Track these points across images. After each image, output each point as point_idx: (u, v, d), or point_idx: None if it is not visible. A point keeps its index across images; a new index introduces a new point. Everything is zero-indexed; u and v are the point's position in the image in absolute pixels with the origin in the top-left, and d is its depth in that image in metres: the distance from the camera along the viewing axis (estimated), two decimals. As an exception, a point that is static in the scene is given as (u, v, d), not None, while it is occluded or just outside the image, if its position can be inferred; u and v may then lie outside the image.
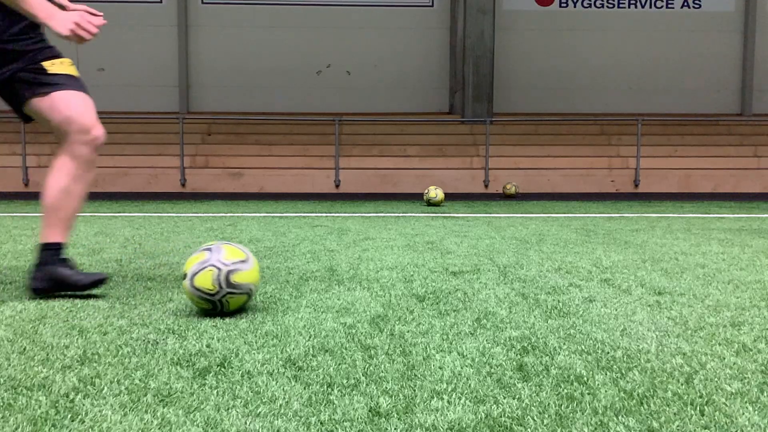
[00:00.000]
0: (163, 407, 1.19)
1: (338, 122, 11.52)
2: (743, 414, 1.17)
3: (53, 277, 2.15)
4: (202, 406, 1.20)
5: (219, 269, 1.87)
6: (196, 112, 14.61)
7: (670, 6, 15.10)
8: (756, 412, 1.18)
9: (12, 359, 1.48)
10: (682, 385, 1.32)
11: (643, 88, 15.11)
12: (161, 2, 14.63)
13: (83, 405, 1.20)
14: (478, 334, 1.71)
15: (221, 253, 1.91)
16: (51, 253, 2.19)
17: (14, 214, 6.05)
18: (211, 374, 1.38)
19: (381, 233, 4.35)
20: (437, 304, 2.09)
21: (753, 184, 11.60)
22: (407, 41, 14.93)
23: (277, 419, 1.14)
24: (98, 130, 2.24)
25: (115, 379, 1.34)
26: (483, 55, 13.28)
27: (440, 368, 1.42)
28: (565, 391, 1.28)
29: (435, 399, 1.24)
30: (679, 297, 2.21)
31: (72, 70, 2.28)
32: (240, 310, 1.98)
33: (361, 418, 1.15)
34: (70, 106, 2.21)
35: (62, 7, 2.25)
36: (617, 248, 3.56)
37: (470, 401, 1.23)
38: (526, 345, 1.60)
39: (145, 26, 14.61)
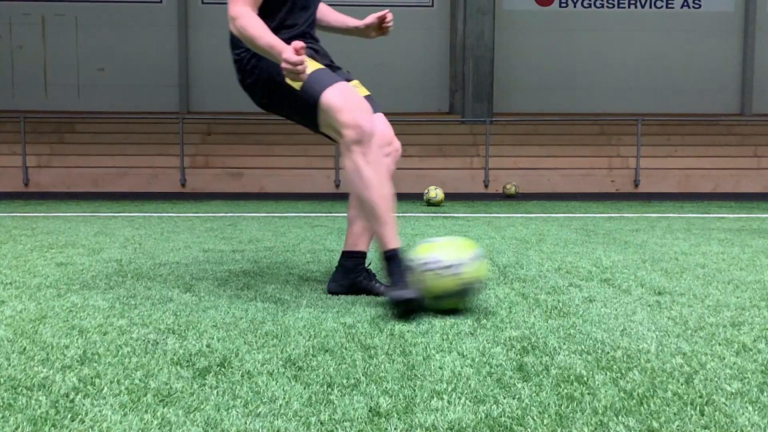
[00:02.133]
0: (163, 407, 1.19)
1: (338, 122, 11.50)
2: (743, 414, 1.17)
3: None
4: (202, 406, 1.20)
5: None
6: (196, 112, 14.61)
7: (670, 6, 15.09)
8: (756, 412, 1.18)
9: (12, 359, 1.48)
10: (682, 385, 1.32)
11: (643, 88, 15.10)
12: (161, 2, 14.62)
13: (83, 405, 1.20)
14: (478, 334, 1.71)
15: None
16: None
17: (14, 214, 6.05)
18: (211, 374, 1.38)
19: (381, 233, 4.35)
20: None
21: (753, 184, 11.60)
22: (407, 41, 14.92)
23: (277, 419, 1.14)
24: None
25: (115, 379, 1.34)
26: (483, 55, 13.27)
27: (440, 368, 1.42)
28: (565, 391, 1.28)
29: (435, 399, 1.24)
30: (679, 297, 2.21)
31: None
32: (239, 311, 1.98)
33: (361, 418, 1.15)
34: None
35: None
36: (617, 248, 3.55)
37: (470, 401, 1.23)
38: (526, 345, 1.60)
39: (145, 26, 14.61)
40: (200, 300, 2.14)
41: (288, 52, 1.92)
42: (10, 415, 1.16)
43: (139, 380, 1.34)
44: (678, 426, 1.12)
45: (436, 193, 7.65)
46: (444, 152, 12.22)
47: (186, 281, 2.50)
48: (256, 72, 2.19)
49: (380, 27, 2.41)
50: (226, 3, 15.25)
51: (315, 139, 12.52)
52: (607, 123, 13.37)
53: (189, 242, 3.81)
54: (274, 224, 5.05)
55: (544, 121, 13.28)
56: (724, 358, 1.50)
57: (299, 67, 1.91)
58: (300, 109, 2.15)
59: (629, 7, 15.09)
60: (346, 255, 2.27)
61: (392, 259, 2.03)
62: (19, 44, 14.56)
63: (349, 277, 2.24)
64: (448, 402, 1.22)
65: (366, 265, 2.28)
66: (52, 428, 1.10)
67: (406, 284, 1.94)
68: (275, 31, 2.12)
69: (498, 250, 3.45)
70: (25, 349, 1.57)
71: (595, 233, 4.38)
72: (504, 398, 1.24)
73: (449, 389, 1.29)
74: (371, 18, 2.39)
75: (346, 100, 2.05)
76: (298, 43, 1.92)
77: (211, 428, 1.11)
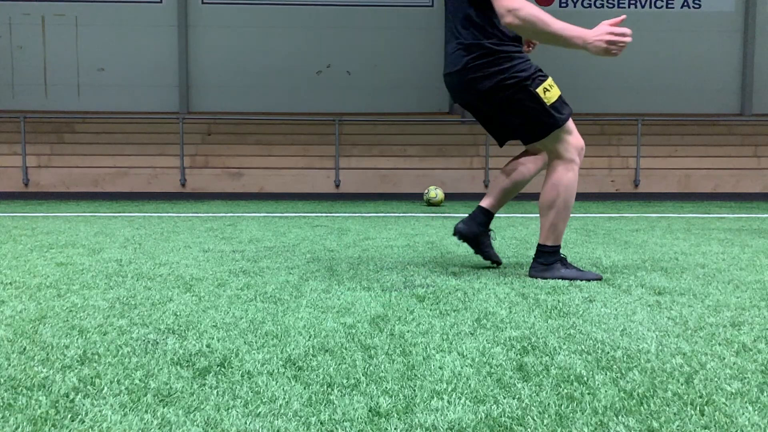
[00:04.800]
0: (163, 407, 1.19)
1: (338, 122, 11.52)
2: (743, 414, 1.17)
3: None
4: (202, 406, 1.20)
5: None
6: (196, 112, 14.61)
7: (670, 6, 15.09)
8: (756, 412, 1.18)
9: (12, 359, 1.48)
10: (682, 385, 1.32)
11: (643, 88, 15.10)
12: (161, 2, 14.62)
13: (83, 405, 1.20)
14: (478, 334, 1.70)
15: None
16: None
17: (14, 214, 6.05)
18: (211, 374, 1.38)
19: (381, 233, 4.35)
20: (437, 304, 2.09)
21: (753, 184, 11.60)
22: (407, 41, 14.92)
23: (277, 419, 1.14)
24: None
25: (115, 379, 1.34)
26: (483, 55, 13.24)
27: (440, 368, 1.42)
28: (565, 391, 1.28)
29: (435, 399, 1.24)
30: (679, 297, 2.21)
31: None
32: (240, 310, 1.98)
33: (361, 418, 1.15)
34: None
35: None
36: (617, 248, 3.55)
37: (470, 401, 1.23)
38: (526, 345, 1.60)
39: (145, 26, 14.60)
40: (200, 300, 2.14)
41: (610, 26, 2.21)
42: (10, 415, 1.15)
43: (139, 380, 1.34)
44: (678, 426, 1.12)
45: (436, 193, 7.65)
46: (444, 152, 12.21)
47: (186, 281, 2.50)
48: (509, 77, 2.47)
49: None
50: (226, 3, 15.32)
51: (315, 140, 12.52)
52: (607, 123, 13.36)
53: (189, 242, 3.81)
54: (274, 224, 5.05)
55: (544, 121, 13.25)
56: (724, 358, 1.50)
57: (627, 39, 2.20)
58: (531, 120, 2.52)
59: (629, 7, 15.09)
60: (483, 210, 2.75)
61: (557, 252, 2.60)
62: (19, 44, 14.56)
63: (478, 227, 2.73)
64: (448, 402, 1.22)
65: (489, 227, 2.81)
66: (52, 428, 1.10)
67: (580, 271, 2.58)
68: (505, 34, 2.49)
69: (498, 250, 3.45)
70: (25, 349, 1.57)
71: (595, 233, 4.38)
72: (504, 398, 1.24)
73: (449, 389, 1.29)
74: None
75: (574, 126, 2.56)
76: (618, 19, 2.20)
77: (211, 428, 1.11)
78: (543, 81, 2.50)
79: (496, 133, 2.76)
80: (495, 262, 2.82)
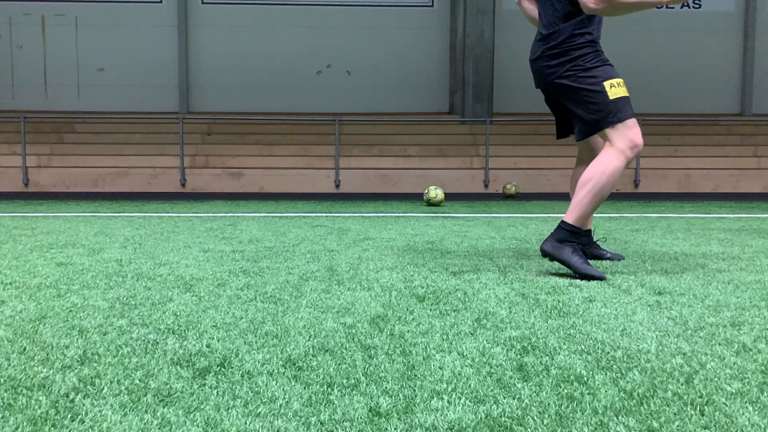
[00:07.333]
0: (163, 407, 1.19)
1: (338, 122, 11.52)
2: (743, 414, 1.17)
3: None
4: (202, 406, 1.20)
5: None
6: (196, 112, 14.61)
7: (670, 6, 15.08)
8: (756, 412, 1.18)
9: (12, 359, 1.48)
10: (682, 385, 1.32)
11: (643, 88, 15.10)
12: (161, 2, 14.62)
13: (83, 405, 1.20)
14: (478, 334, 1.70)
15: None
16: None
17: (14, 214, 6.05)
18: (211, 374, 1.38)
19: (381, 233, 4.35)
20: (437, 304, 2.09)
21: (753, 184, 11.60)
22: (407, 41, 14.92)
23: (277, 419, 1.14)
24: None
25: (115, 379, 1.34)
26: (483, 55, 13.27)
27: (440, 368, 1.42)
28: (565, 391, 1.28)
29: (435, 399, 1.24)
30: (679, 297, 2.21)
31: None
32: (239, 309, 1.98)
33: (361, 418, 1.15)
34: None
35: None
36: (617, 248, 3.55)
37: (470, 401, 1.23)
38: (526, 345, 1.60)
39: (145, 26, 14.61)
40: (200, 300, 2.14)
41: None
42: (10, 415, 1.16)
43: (139, 380, 1.34)
44: (678, 426, 1.12)
45: (436, 193, 7.65)
46: (444, 152, 12.22)
47: (186, 281, 2.50)
48: (577, 66, 2.66)
49: None
50: (226, 3, 15.29)
51: (315, 140, 12.53)
52: (607, 123, 13.34)
53: (189, 242, 3.81)
54: (274, 224, 5.05)
55: (544, 121, 13.27)
56: (724, 358, 1.50)
57: None
58: (592, 111, 2.65)
59: (629, 7, 15.07)
60: (582, 233, 2.92)
61: (577, 234, 2.65)
62: (19, 44, 14.56)
63: (586, 248, 2.97)
64: (448, 402, 1.22)
65: (595, 240, 3.10)
66: (52, 428, 1.10)
67: (588, 265, 2.58)
68: (585, 27, 2.66)
69: (498, 250, 3.45)
70: (25, 349, 1.57)
71: (595, 233, 4.38)
72: (504, 398, 1.24)
73: (449, 389, 1.29)
74: None
75: (636, 125, 2.66)
76: None
77: (211, 428, 1.11)
78: (612, 78, 2.63)
79: (563, 124, 2.94)
80: (614, 258, 3.08)
